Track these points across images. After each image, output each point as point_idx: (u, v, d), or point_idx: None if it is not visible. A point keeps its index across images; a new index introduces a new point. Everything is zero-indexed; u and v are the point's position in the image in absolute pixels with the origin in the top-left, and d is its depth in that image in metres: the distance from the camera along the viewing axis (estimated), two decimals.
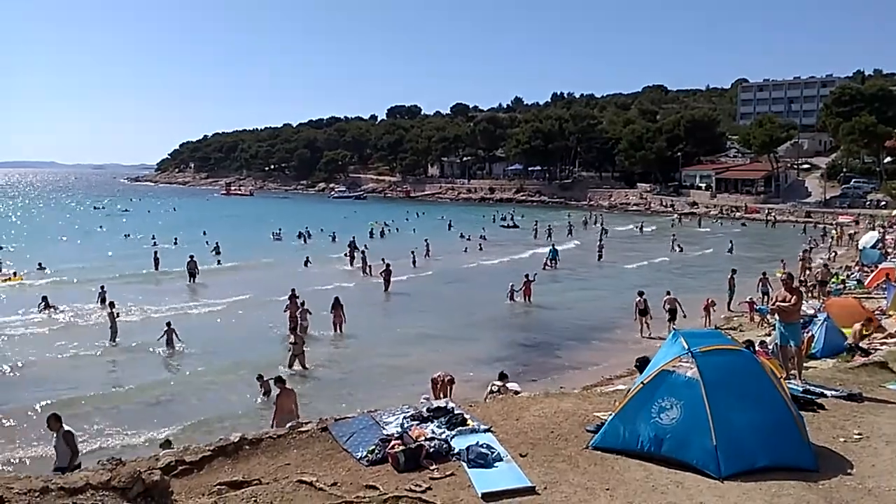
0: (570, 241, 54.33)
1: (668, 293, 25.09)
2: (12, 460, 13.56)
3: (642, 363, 9.81)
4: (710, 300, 25.59)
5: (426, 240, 46.94)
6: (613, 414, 8.46)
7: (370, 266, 37.74)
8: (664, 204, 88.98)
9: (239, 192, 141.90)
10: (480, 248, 49.98)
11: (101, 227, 68.27)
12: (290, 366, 19.34)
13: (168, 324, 22.36)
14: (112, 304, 23.97)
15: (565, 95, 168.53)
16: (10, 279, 35.09)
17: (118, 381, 19.18)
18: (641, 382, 8.29)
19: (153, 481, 7.06)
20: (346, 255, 42.36)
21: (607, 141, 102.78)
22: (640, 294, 24.69)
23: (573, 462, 7.95)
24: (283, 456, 8.48)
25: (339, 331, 24.58)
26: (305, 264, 40.69)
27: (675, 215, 78.45)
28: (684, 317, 24.24)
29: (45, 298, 27.77)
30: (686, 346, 8.09)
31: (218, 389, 18.05)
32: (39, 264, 38.82)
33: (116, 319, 23.01)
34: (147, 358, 21.45)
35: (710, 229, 65.32)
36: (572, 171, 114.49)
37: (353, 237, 48.10)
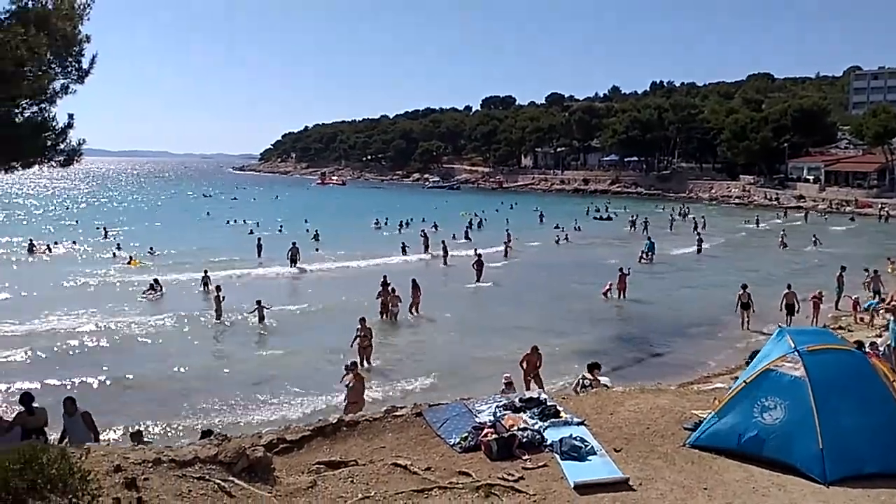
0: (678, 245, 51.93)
1: (789, 287, 24.13)
2: (130, 430, 14.34)
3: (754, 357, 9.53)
4: (818, 293, 24.47)
5: (507, 230, 46.69)
6: (713, 412, 8.27)
7: (448, 256, 38.52)
8: (768, 197, 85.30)
9: (333, 182, 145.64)
10: (567, 239, 49.47)
11: (208, 213, 71.34)
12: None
13: (258, 302, 23.72)
14: (218, 288, 25.10)
15: (665, 84, 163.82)
16: (130, 262, 37.29)
17: (221, 362, 20.03)
18: (744, 381, 8.06)
19: (256, 457, 7.39)
20: (421, 237, 43.59)
21: (708, 131, 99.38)
22: (744, 287, 23.98)
23: (669, 459, 7.81)
24: (379, 439, 8.69)
25: (416, 311, 25.44)
26: (403, 252, 41.47)
27: (781, 209, 75.18)
28: (798, 312, 23.39)
29: (155, 280, 29.35)
30: (792, 345, 7.80)
31: (308, 372, 18.54)
32: (150, 248, 41.18)
33: (222, 303, 24.09)
34: (248, 340, 22.36)
35: (817, 224, 62.17)
36: (671, 161, 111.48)
37: (467, 228, 50.39)
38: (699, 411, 9.03)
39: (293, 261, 36.17)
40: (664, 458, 7.84)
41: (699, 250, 43.27)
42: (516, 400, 9.61)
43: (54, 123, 12.03)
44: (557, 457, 7.81)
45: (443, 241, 40.63)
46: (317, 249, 42.97)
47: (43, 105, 11.84)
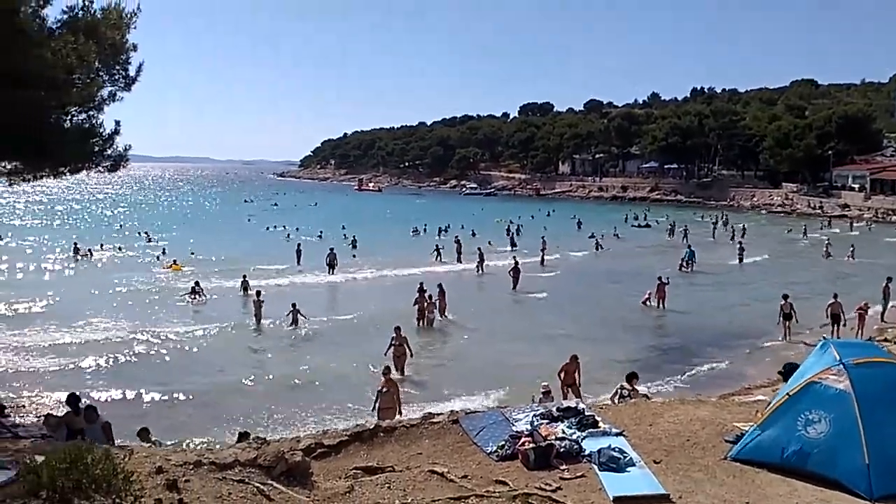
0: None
1: (835, 297, 23.68)
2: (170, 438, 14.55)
3: (788, 370, 9.33)
4: (864, 304, 23.89)
5: (542, 238, 46.45)
6: (755, 424, 8.12)
7: (484, 264, 38.43)
8: (812, 206, 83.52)
9: (369, 188, 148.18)
10: (601, 247, 49.01)
11: (249, 219, 72.23)
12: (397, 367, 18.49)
13: (293, 305, 24.26)
14: (259, 293, 25.42)
15: (706, 90, 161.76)
16: (171, 267, 37.85)
17: (260, 369, 20.08)
18: (787, 393, 7.90)
19: (295, 462, 7.45)
20: (455, 243, 44.05)
21: (750, 138, 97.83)
22: (785, 297, 23.61)
23: (710, 472, 7.69)
24: (416, 445, 8.70)
25: (443, 315, 25.77)
26: (437, 256, 41.67)
27: (825, 218, 73.50)
28: (844, 325, 22.94)
29: (196, 284, 29.81)
30: (837, 357, 7.63)
31: (346, 379, 18.62)
32: (192, 253, 42.03)
33: (262, 308, 24.40)
34: (286, 348, 22.57)
35: (860, 234, 60.67)
36: (712, 169, 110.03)
37: (512, 235, 50.46)
38: (741, 424, 8.87)
39: (331, 267, 36.50)
40: (705, 471, 7.71)
41: (741, 259, 42.56)
42: (554, 409, 9.54)
43: (102, 130, 12.39)
44: (596, 468, 7.74)
45: (479, 248, 40.41)
46: (354, 256, 43.24)
47: (91, 112, 12.19)
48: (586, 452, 8.07)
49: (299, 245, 41.61)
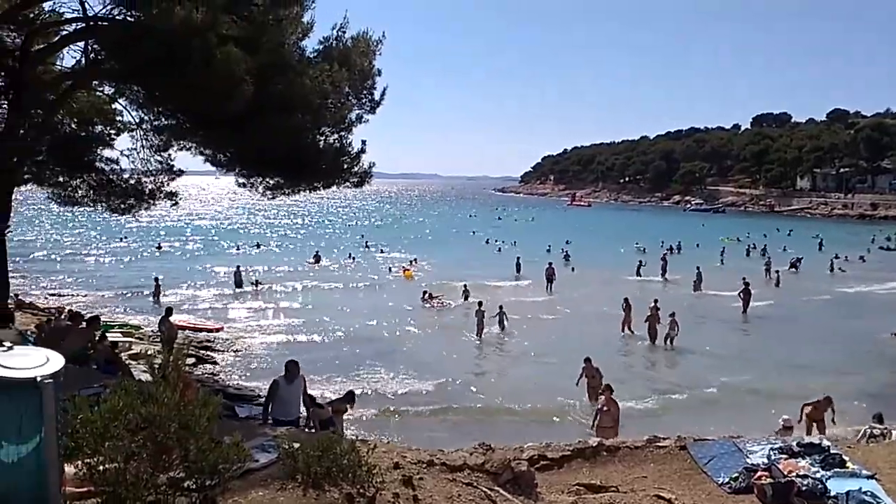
0: None
1: None
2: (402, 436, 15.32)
3: None
4: None
5: (769, 257, 43.13)
6: None
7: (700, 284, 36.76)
8: None
9: (580, 203, 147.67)
10: (842, 270, 44.95)
11: (473, 232, 74.59)
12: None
13: (500, 307, 25.99)
14: (480, 304, 26.16)
15: None
16: (405, 272, 41.11)
17: (480, 377, 20.55)
18: None
19: (521, 471, 7.61)
20: (661, 261, 43.01)
21: None
22: None
23: None
24: (640, 468, 8.52)
25: (629, 330, 25.75)
26: (637, 272, 40.79)
27: None
28: None
29: (425, 292, 31.87)
30: None
31: (565, 394, 18.44)
32: (411, 261, 45.05)
33: (483, 318, 25.12)
34: (505, 357, 23.07)
35: None
36: None
37: (796, 259, 46.54)
38: None
39: (549, 281, 36.77)
40: None
41: None
42: (794, 444, 8.87)
43: (350, 149, 13.65)
44: None
45: (697, 267, 38.30)
46: (573, 269, 43.16)
47: (342, 133, 13.47)
48: (832, 493, 7.43)
49: (518, 258, 42.40)
